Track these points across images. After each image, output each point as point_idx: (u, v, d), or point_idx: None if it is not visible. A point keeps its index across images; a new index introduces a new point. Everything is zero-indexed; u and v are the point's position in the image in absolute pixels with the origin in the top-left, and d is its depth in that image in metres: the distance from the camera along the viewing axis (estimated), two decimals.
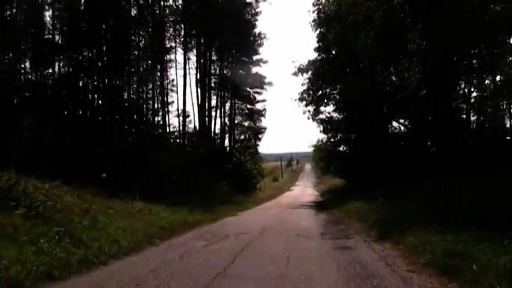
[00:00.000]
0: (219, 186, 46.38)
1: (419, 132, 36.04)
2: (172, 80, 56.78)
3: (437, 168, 25.31)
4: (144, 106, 46.26)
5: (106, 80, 38.67)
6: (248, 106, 70.74)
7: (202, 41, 57.38)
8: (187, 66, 53.95)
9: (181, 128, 52.77)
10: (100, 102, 38.45)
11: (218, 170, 48.95)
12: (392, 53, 29.21)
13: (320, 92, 46.08)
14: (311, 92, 46.26)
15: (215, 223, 22.76)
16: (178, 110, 59.32)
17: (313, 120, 49.46)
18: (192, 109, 55.46)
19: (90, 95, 37.89)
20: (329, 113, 49.01)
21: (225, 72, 62.93)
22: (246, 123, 70.38)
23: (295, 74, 46.14)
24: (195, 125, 55.96)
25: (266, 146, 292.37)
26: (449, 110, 27.95)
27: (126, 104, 38.51)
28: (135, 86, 45.37)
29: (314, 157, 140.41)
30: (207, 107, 57.58)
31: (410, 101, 30.91)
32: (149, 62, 49.07)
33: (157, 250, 13.45)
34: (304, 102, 46.83)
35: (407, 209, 19.07)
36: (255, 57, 67.73)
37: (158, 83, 49.35)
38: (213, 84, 61.75)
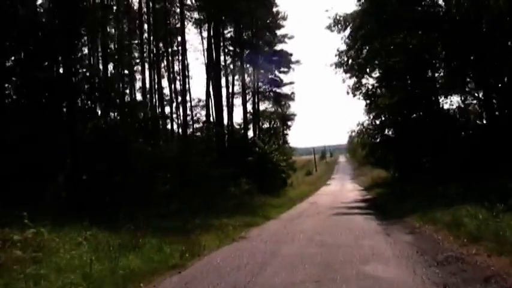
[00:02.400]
0: (238, 185, 33.46)
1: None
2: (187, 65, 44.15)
3: None
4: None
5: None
6: (274, 89, 57.50)
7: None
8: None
9: (181, 114, 39.77)
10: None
11: (238, 164, 36.14)
12: None
13: (365, 52, 32.44)
14: (352, 53, 32.67)
15: (178, 275, 9.46)
16: (190, 98, 47.12)
17: (354, 95, 36.24)
18: (208, 98, 42.16)
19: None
20: (373, 85, 35.36)
21: (244, 50, 49.18)
22: (272, 109, 57.12)
23: (329, 27, 32.40)
24: (212, 115, 42.82)
25: (298, 139, 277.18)
26: None
27: (88, 74, 25.23)
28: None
29: (349, 148, 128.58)
30: (226, 94, 44.80)
31: None
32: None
33: None
34: (343, 69, 33.32)
35: None
36: (278, 32, 54.58)
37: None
38: (232, 66, 48.78)
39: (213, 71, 41.58)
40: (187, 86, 43.54)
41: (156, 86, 38.21)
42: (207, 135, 41.71)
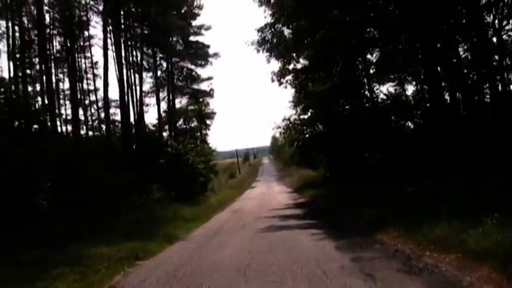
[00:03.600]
0: (149, 193, 26.86)
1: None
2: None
3: None
4: None
5: None
6: (191, 86, 50.49)
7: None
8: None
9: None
10: None
11: (149, 168, 29.60)
12: None
13: (292, 29, 26.25)
14: (277, 30, 26.42)
15: None
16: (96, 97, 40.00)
17: (280, 82, 30.32)
18: (106, 93, 34.90)
19: None
20: (302, 68, 29.63)
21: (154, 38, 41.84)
22: (190, 107, 50.02)
23: None
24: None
25: (221, 143, 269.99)
26: None
27: None
28: None
29: (273, 149, 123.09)
30: (138, 92, 37.53)
31: None
32: None
33: None
34: (266, 47, 26.98)
35: None
36: (194, 22, 47.63)
37: None
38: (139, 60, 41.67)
39: (117, 65, 34.09)
40: (80, 83, 36.30)
41: (45, 84, 30.67)
42: (111, 136, 34.47)
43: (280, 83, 31.04)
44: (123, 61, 34.65)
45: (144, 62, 42.29)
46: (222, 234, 15.23)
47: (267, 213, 21.80)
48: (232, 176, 75.42)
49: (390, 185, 17.14)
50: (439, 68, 22.80)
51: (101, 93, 38.81)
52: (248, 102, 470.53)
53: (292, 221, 17.09)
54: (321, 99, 31.81)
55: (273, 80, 30.99)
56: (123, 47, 35.05)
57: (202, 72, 51.43)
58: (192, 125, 50.16)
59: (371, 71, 30.09)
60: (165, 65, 45.36)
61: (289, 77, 30.96)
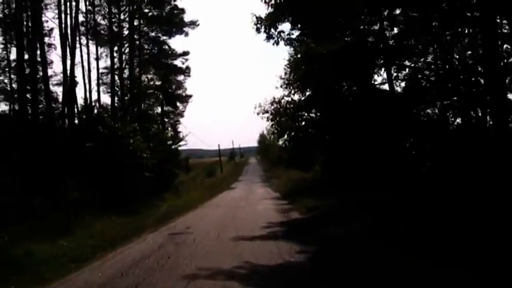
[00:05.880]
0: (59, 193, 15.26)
1: None
2: None
3: None
4: None
5: None
6: (162, 60, 38.25)
7: None
8: None
9: None
10: None
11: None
12: None
13: None
14: None
15: None
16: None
17: (269, 35, 19.64)
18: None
19: None
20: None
21: None
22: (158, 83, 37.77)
23: None
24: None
25: (208, 143, 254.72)
26: None
27: None
28: None
29: (261, 147, 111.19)
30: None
31: None
32: None
33: None
34: None
35: None
36: None
37: None
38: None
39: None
40: None
41: None
42: None
43: (270, 36, 19.59)
44: None
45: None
46: None
47: (224, 252, 9.65)
48: (211, 174, 62.54)
49: None
50: None
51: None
52: (240, 95, 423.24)
53: None
54: (326, 67, 20.34)
55: (258, 30, 19.29)
56: None
57: (175, 46, 39.70)
58: (156, 104, 37.65)
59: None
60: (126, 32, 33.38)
61: (282, 27, 19.46)
